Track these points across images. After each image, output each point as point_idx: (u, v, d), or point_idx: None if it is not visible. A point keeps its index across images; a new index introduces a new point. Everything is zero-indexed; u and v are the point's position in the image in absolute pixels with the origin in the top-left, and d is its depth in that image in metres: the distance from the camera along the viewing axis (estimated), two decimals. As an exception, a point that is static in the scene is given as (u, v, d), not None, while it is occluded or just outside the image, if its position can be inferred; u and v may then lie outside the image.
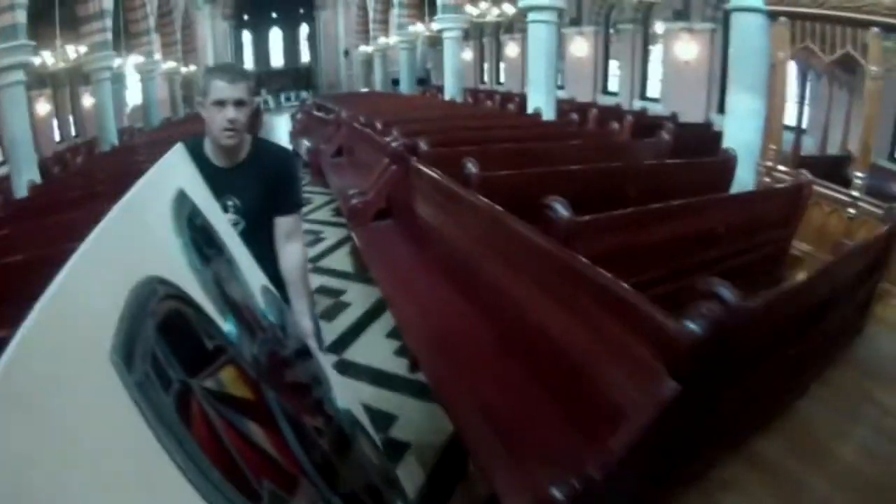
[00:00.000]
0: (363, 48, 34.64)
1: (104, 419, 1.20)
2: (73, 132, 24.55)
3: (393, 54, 31.88)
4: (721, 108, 15.47)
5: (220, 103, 2.83)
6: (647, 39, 19.46)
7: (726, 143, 8.47)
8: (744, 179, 7.98)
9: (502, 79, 28.83)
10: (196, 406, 1.49)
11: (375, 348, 5.73)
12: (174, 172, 2.25)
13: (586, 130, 10.79)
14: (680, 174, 7.20)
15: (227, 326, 1.88)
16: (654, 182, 6.55)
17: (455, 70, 19.49)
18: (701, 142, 10.65)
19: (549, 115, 12.85)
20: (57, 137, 23.55)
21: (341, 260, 8.32)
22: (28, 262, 4.76)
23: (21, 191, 11.26)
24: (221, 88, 2.82)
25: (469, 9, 18.29)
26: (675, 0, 15.85)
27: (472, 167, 5.86)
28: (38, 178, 11.95)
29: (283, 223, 3.13)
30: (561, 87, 23.71)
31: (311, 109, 18.39)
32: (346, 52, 40.58)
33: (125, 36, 20.98)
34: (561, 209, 4.43)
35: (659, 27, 18.44)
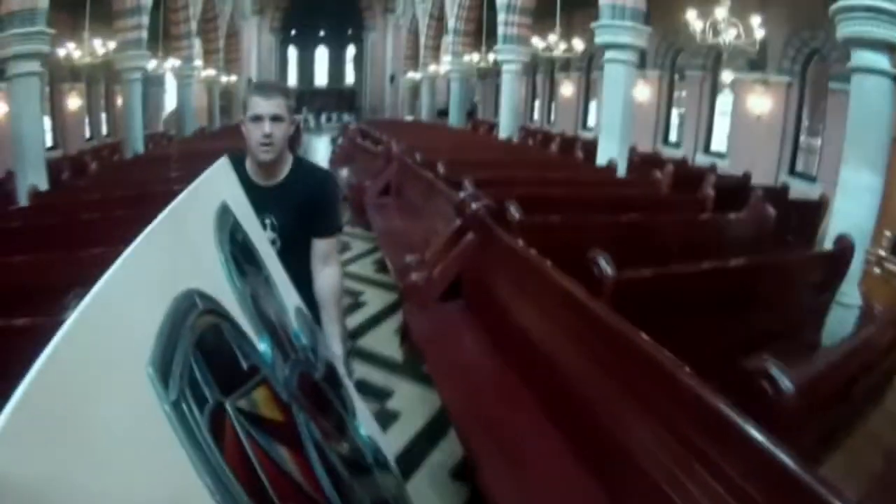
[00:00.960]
0: (411, 74, 33.54)
1: (137, 435, 1.21)
2: (104, 130, 23.86)
3: (441, 83, 31.10)
4: (793, 170, 14.76)
5: (258, 118, 2.87)
6: (716, 88, 18.09)
7: (836, 223, 7.16)
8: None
9: (553, 117, 27.78)
10: (229, 426, 1.51)
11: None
12: (219, 185, 2.24)
13: (681, 199, 8.99)
14: (787, 270, 5.89)
15: (262, 346, 1.88)
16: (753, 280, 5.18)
17: (513, 106, 18.17)
18: (784, 213, 9.18)
19: (622, 167, 11.57)
20: (87, 134, 22.85)
21: (386, 341, 6.52)
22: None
23: (24, 197, 9.83)
24: (258, 103, 2.87)
25: (535, 41, 16.85)
26: (749, 48, 14.48)
27: (605, 266, 4.12)
28: (44, 183, 10.56)
29: (320, 245, 3.16)
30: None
31: (355, 136, 16.92)
32: (393, 77, 39.86)
33: (164, 37, 19.82)
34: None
35: (727, 76, 17.12)
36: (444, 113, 29.71)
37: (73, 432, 1.03)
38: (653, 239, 6.09)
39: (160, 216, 1.60)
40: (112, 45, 15.06)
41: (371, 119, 33.95)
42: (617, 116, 11.84)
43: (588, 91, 25.19)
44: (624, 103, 11.84)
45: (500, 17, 18.06)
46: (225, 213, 2.10)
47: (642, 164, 12.50)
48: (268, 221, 2.92)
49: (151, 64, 18.67)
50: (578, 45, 16.45)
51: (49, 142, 19.56)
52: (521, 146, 16.65)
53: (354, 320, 7.05)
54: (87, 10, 13.96)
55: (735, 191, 9.53)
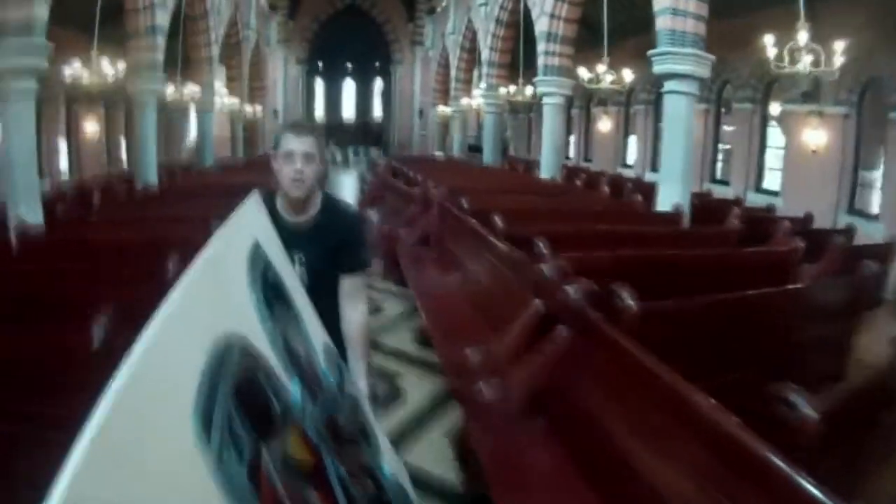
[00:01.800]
0: (441, 108, 32.53)
1: (183, 485, 1.27)
2: (123, 157, 22.97)
3: (471, 117, 30.01)
4: (852, 209, 13.80)
5: (290, 155, 2.97)
6: (766, 122, 16.96)
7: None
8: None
9: (589, 153, 26.76)
10: (264, 472, 1.56)
11: None
12: (251, 222, 2.27)
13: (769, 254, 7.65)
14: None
15: (293, 387, 1.92)
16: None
17: (554, 143, 16.95)
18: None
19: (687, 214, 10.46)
20: (104, 160, 21.91)
21: (436, 450, 4.85)
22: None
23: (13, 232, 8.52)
24: (291, 141, 2.98)
25: (581, 72, 15.59)
26: (802, 79, 13.41)
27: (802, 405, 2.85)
28: (39, 216, 9.35)
29: (348, 282, 3.19)
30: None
31: (386, 174, 15.61)
32: (421, 112, 39.04)
33: (183, 62, 18.81)
34: None
35: (775, 108, 16.15)
36: (475, 149, 28.80)
37: (127, 485, 1.09)
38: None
39: (197, 261, 1.63)
40: (122, 66, 13.86)
41: (399, 155, 33.21)
42: (679, 155, 10.78)
43: (627, 126, 24.19)
44: (686, 140, 10.77)
45: (541, 46, 16.96)
46: (257, 251, 2.13)
47: (702, 208, 11.15)
48: (297, 258, 2.96)
49: (169, 89, 17.67)
50: (627, 75, 15.15)
51: (64, 166, 19.29)
52: (570, 188, 15.29)
53: (393, 418, 5.40)
54: (95, 26, 12.72)
55: (818, 241, 8.31)
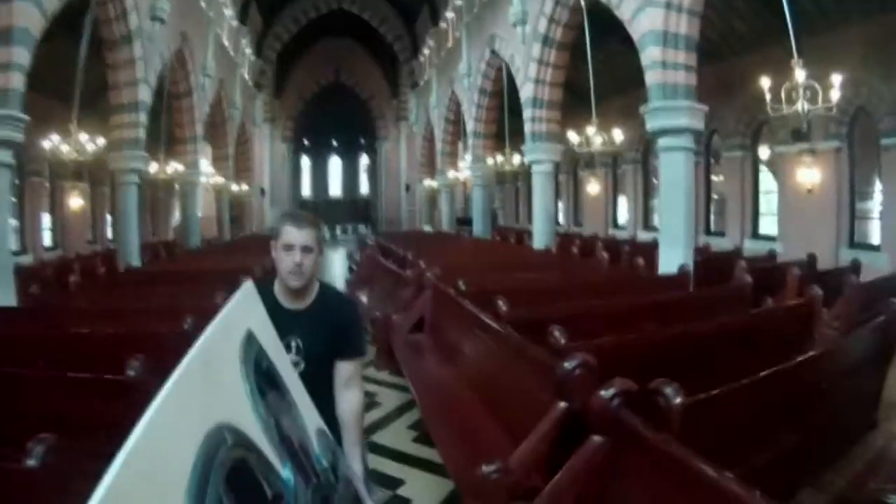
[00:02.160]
0: (427, 182, 32.40)
1: None
2: (108, 234, 22.52)
3: (458, 190, 29.97)
4: (852, 243, 13.73)
5: (289, 247, 3.01)
6: (757, 167, 16.94)
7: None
8: None
9: (581, 219, 26.52)
10: None
11: None
12: (244, 312, 2.27)
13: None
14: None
15: (286, 473, 1.93)
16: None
17: (546, 211, 16.60)
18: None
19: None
20: (89, 236, 21.74)
21: None
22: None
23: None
24: (291, 233, 3.02)
25: (571, 136, 15.34)
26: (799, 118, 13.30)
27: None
28: (12, 297, 8.97)
29: (343, 368, 3.20)
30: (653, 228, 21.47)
31: (375, 254, 15.17)
32: (408, 187, 38.96)
33: (168, 141, 18.58)
34: None
35: (764, 152, 16.24)
36: (463, 222, 28.64)
37: None
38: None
39: (190, 353, 1.64)
40: (102, 141, 13.55)
41: (388, 231, 32.87)
42: (680, 213, 10.39)
43: (616, 187, 24.29)
44: (686, 197, 10.41)
45: (527, 113, 16.75)
46: (250, 341, 2.14)
47: (705, 264, 10.82)
48: (293, 344, 3.01)
49: (153, 167, 17.37)
50: (617, 136, 14.92)
51: (48, 241, 19.15)
52: (566, 258, 14.87)
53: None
54: (76, 99, 12.46)
55: (829, 282, 8.08)
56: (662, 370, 3.61)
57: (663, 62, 10.13)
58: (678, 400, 3.32)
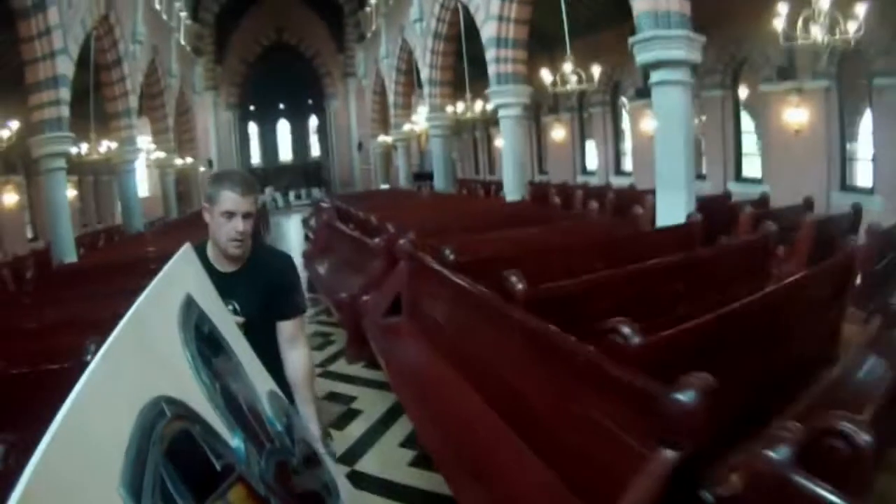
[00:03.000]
0: (382, 138, 30.84)
1: None
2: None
3: (414, 145, 28.65)
4: (844, 185, 13.26)
5: (230, 214, 2.91)
6: (738, 106, 16.19)
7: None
8: None
9: (546, 167, 25.64)
10: None
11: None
12: (181, 277, 2.23)
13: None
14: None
15: (235, 441, 1.88)
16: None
17: (517, 160, 15.26)
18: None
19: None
20: (30, 234, 20.48)
21: None
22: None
23: None
24: (233, 200, 2.91)
25: (544, 76, 13.95)
26: (774, 55, 12.77)
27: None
28: None
29: (285, 328, 3.17)
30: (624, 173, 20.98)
31: (332, 218, 13.56)
32: (360, 145, 37.57)
33: (98, 117, 16.91)
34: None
35: (742, 91, 15.69)
36: (421, 177, 27.67)
37: None
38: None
39: (121, 323, 1.61)
40: (16, 125, 11.96)
41: (344, 193, 31.35)
42: (680, 155, 9.47)
43: (583, 132, 23.36)
44: (686, 137, 9.50)
45: (490, 53, 15.40)
46: (189, 305, 2.09)
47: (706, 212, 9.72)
48: (230, 307, 2.86)
49: (83, 148, 15.83)
50: (596, 72, 13.64)
51: None
52: (552, 211, 13.39)
53: None
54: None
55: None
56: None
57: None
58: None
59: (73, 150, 14.09)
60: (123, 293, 5.08)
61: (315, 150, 43.61)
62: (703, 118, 16.79)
